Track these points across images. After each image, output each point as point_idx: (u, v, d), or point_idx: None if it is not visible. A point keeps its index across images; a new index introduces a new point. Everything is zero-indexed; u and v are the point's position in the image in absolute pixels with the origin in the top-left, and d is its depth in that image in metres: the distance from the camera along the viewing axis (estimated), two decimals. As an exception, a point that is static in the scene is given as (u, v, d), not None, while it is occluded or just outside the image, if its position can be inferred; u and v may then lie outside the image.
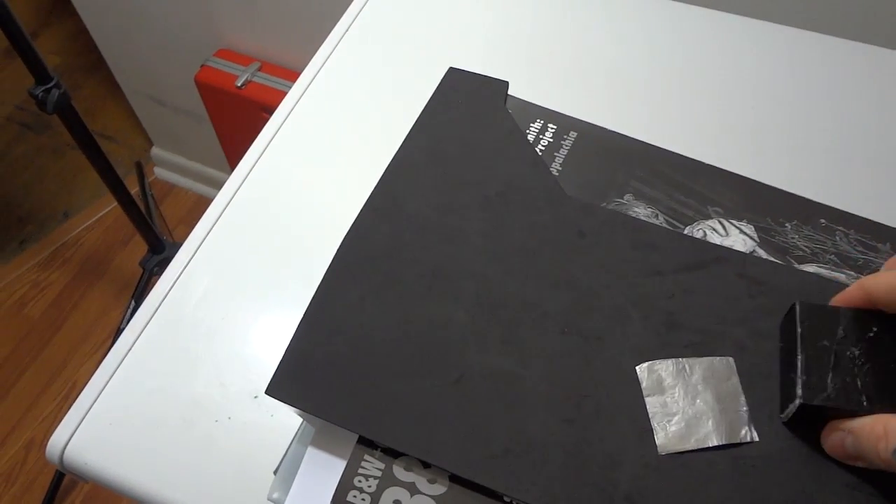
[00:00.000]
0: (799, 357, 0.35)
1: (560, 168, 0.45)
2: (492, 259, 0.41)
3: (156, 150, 1.81)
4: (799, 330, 0.36)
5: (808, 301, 0.36)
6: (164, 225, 1.55)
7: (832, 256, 0.41)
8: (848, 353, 0.35)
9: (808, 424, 0.35)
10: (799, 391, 0.34)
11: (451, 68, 0.50)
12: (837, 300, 0.37)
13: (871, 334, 0.35)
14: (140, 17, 1.38)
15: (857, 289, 0.35)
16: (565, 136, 0.46)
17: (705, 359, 0.37)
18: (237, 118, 1.35)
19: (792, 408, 0.35)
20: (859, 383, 0.34)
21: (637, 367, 0.37)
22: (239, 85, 1.28)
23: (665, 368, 0.37)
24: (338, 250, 0.42)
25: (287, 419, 0.42)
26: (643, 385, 0.37)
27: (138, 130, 1.82)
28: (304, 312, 0.40)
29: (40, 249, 1.73)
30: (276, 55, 1.30)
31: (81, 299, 1.65)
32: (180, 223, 1.76)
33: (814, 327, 0.36)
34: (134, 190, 1.46)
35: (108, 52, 1.54)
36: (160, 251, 1.37)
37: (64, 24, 2.11)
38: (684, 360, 0.37)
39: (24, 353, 1.57)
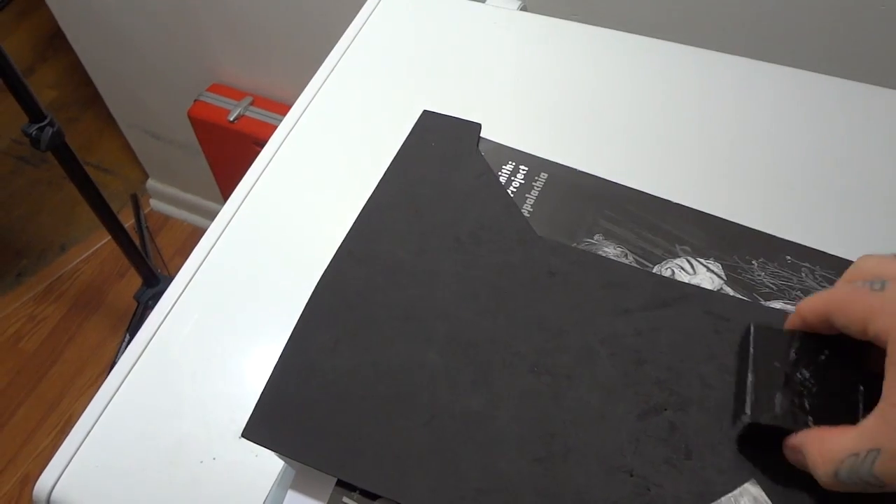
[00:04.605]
0: (749, 377, 0.36)
1: (531, 209, 0.46)
2: (463, 300, 0.42)
3: (151, 182, 1.83)
4: (751, 350, 0.37)
5: (762, 324, 0.37)
6: (159, 257, 1.56)
7: (798, 293, 0.42)
8: (798, 374, 0.35)
9: (757, 443, 0.36)
10: (748, 409, 0.35)
11: (425, 111, 0.51)
12: (786, 325, 0.37)
13: (823, 357, 0.36)
14: (134, 52, 1.40)
15: (795, 314, 0.37)
16: (536, 178, 0.48)
17: None
18: (230, 151, 1.37)
19: (740, 425, 0.36)
20: (807, 404, 0.35)
21: None
22: (231, 119, 1.29)
23: None
24: (312, 294, 0.43)
25: (271, 460, 0.43)
26: None
27: (134, 163, 1.84)
28: (279, 356, 0.41)
29: (36, 283, 1.74)
30: (267, 90, 1.32)
31: (77, 333, 1.65)
32: (176, 254, 1.77)
33: (766, 349, 0.37)
34: (129, 223, 1.47)
35: (102, 86, 1.57)
36: (154, 284, 1.38)
37: (61, 58, 2.14)
38: None
39: (19, 387, 1.58)
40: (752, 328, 0.37)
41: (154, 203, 1.87)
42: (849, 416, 0.34)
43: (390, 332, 0.41)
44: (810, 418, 0.34)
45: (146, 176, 1.83)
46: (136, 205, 1.59)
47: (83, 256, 1.78)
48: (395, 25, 0.62)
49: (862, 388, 0.35)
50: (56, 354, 1.62)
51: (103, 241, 1.78)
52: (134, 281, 1.65)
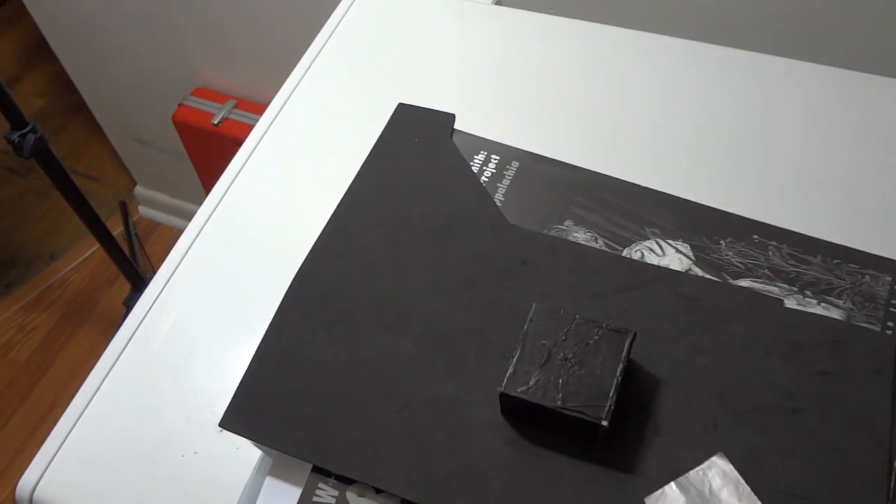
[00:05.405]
0: (516, 352, 0.37)
1: (503, 198, 0.47)
2: (437, 290, 0.42)
3: (139, 189, 1.83)
4: (525, 327, 0.38)
5: (546, 305, 0.39)
6: (148, 263, 1.56)
7: (765, 270, 0.43)
8: (561, 354, 0.37)
9: (518, 414, 0.38)
10: (503, 382, 0.37)
11: (400, 104, 0.52)
12: None
13: (591, 341, 0.37)
14: (117, 58, 1.40)
15: None
16: (508, 167, 0.48)
17: None
18: (215, 155, 1.37)
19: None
20: (560, 382, 0.36)
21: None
22: (216, 122, 1.30)
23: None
24: (290, 286, 0.43)
25: (252, 451, 0.43)
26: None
27: (122, 170, 1.84)
28: (257, 346, 0.41)
29: (26, 292, 1.74)
30: (251, 92, 1.33)
31: (68, 341, 1.65)
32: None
33: (540, 327, 0.38)
34: (117, 230, 1.47)
35: (87, 93, 1.57)
36: (143, 290, 1.38)
37: (47, 67, 2.13)
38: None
39: (11, 397, 1.58)
40: (533, 306, 0.39)
41: (143, 210, 1.87)
42: (598, 397, 0.36)
43: (366, 323, 0.42)
44: (560, 395, 0.36)
45: (134, 183, 1.83)
46: (125, 212, 1.59)
47: (72, 265, 1.78)
48: (370, 21, 0.63)
49: (619, 374, 0.36)
50: (48, 363, 1.62)
51: (92, 249, 1.78)
52: (124, 288, 1.65)
